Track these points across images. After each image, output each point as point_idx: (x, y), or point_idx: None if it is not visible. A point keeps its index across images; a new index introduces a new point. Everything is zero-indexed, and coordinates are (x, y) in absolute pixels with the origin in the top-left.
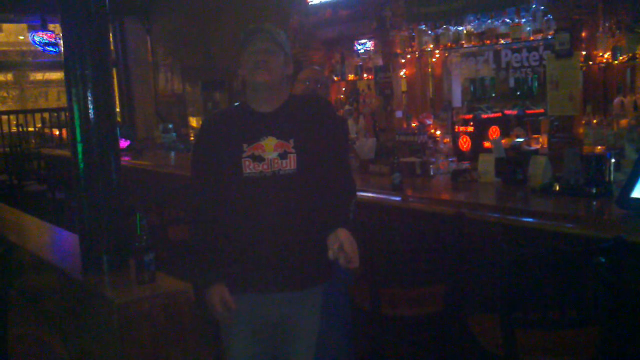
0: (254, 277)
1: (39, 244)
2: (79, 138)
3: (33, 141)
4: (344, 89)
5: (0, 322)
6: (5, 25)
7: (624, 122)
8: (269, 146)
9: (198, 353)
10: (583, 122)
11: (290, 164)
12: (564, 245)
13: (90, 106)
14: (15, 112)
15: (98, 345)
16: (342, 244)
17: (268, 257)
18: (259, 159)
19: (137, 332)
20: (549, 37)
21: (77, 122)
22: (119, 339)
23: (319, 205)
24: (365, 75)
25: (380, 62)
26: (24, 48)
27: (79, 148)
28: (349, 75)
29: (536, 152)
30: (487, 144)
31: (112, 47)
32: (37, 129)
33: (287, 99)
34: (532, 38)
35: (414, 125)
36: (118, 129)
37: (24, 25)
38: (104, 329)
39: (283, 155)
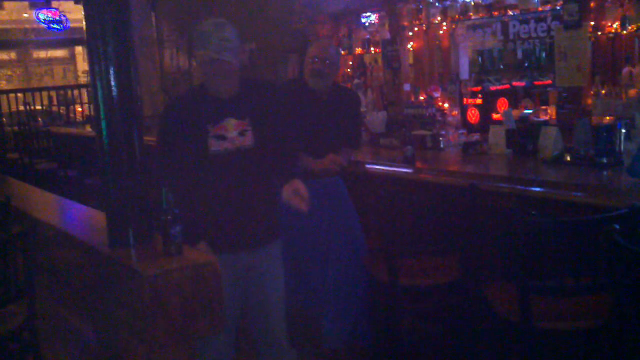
0: (225, 239)
1: (63, 220)
2: (102, 115)
3: (40, 119)
4: (351, 62)
5: (28, 300)
6: (6, 3)
7: (632, 92)
8: (230, 126)
9: (223, 323)
10: (592, 92)
11: (248, 139)
12: (576, 214)
13: (113, 82)
14: (23, 91)
15: (126, 317)
16: (297, 189)
17: (234, 220)
18: (222, 137)
19: (167, 303)
20: (558, 7)
21: (100, 99)
22: (150, 311)
23: (272, 169)
24: (372, 48)
25: (387, 35)
26: (26, 26)
27: (103, 124)
28: (357, 49)
29: (545, 123)
30: (495, 116)
31: None
32: (44, 107)
33: (241, 84)
34: (540, 9)
35: (421, 98)
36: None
37: (25, 3)
38: (133, 301)
39: (242, 133)
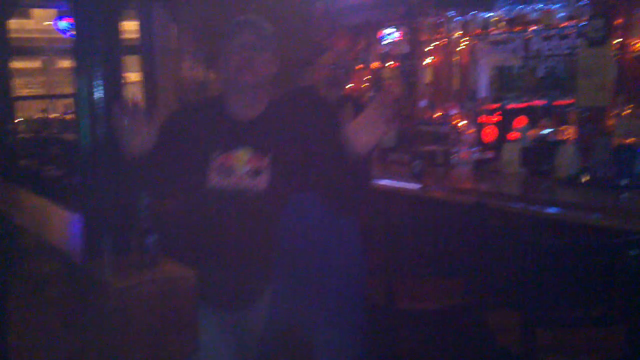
0: (210, 293)
1: (46, 226)
2: (84, 114)
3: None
4: (369, 76)
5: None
6: (36, 11)
7: None
8: (243, 158)
9: (194, 344)
10: (614, 113)
11: (261, 182)
12: (590, 238)
13: (98, 83)
14: (41, 97)
15: (98, 331)
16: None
17: (223, 273)
18: (227, 171)
19: (135, 318)
20: (582, 23)
21: (84, 99)
22: (117, 325)
23: (278, 226)
24: (389, 62)
25: (405, 49)
26: (53, 35)
27: (83, 123)
28: (373, 63)
29: (562, 142)
30: (511, 135)
31: (138, 34)
32: (60, 115)
33: (269, 103)
34: (564, 25)
35: (436, 115)
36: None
37: (53, 11)
38: (102, 314)
39: (256, 172)
